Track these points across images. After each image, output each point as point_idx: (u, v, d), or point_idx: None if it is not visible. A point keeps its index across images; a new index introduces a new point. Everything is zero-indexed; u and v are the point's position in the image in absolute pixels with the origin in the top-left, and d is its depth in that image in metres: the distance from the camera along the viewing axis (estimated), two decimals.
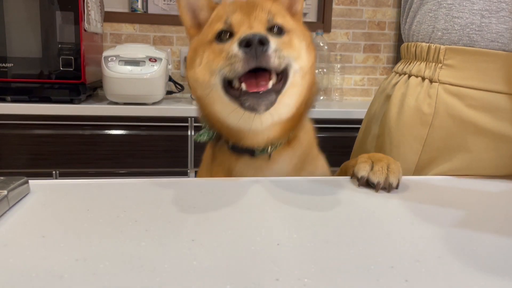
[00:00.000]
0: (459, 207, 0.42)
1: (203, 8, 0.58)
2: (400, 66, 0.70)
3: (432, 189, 0.49)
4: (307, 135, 0.61)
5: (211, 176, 0.59)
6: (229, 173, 0.57)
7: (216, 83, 0.51)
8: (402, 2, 0.72)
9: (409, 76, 0.65)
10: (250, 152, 0.55)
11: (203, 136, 0.58)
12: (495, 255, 0.32)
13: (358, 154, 0.74)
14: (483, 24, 0.57)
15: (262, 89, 0.47)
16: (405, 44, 0.69)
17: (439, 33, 0.61)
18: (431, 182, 0.53)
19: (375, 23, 2.04)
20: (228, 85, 0.51)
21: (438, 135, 0.59)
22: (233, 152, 0.56)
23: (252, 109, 0.48)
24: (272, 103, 0.48)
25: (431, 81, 0.61)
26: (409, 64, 0.67)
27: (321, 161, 0.63)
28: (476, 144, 0.57)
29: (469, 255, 0.31)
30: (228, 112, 0.52)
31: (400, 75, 0.68)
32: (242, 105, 0.48)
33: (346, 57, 2.06)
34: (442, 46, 0.60)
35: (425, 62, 0.63)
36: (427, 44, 0.62)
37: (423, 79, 0.62)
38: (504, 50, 0.56)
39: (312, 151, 0.61)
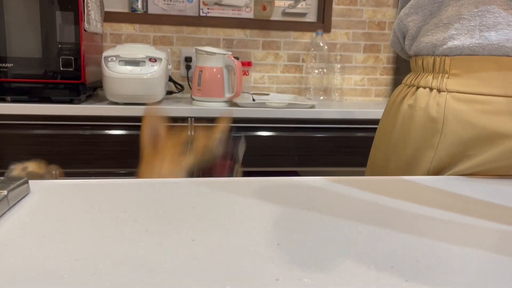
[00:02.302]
0: (460, 207, 0.42)
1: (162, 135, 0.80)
2: (409, 79, 0.71)
3: (433, 189, 0.49)
4: None
5: None
6: None
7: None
8: (396, 30, 0.73)
9: (417, 88, 0.67)
10: None
11: None
12: (496, 255, 0.32)
13: (371, 169, 0.76)
14: (482, 37, 0.58)
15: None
16: (413, 58, 0.71)
17: (441, 48, 0.62)
18: (432, 182, 0.53)
19: (375, 23, 2.04)
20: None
21: (449, 142, 0.60)
22: None
23: None
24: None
25: (439, 90, 0.62)
26: (418, 76, 0.68)
27: None
28: (487, 149, 0.58)
29: (470, 255, 0.31)
30: None
31: (409, 87, 0.70)
32: None
33: (346, 57, 2.06)
34: (447, 57, 0.61)
35: (432, 74, 0.64)
36: (432, 57, 0.64)
37: (431, 89, 0.63)
38: (508, 56, 0.57)
39: None
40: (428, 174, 0.62)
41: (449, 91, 0.61)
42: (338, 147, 1.60)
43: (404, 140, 0.66)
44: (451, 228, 0.37)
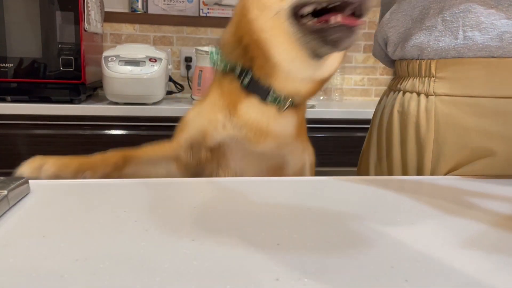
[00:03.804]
0: (460, 207, 0.42)
1: None
2: (394, 83, 0.70)
3: (433, 189, 0.49)
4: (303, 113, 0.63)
5: (209, 112, 0.59)
6: (234, 107, 0.57)
7: (284, 8, 0.51)
8: (377, 37, 0.72)
9: (404, 92, 0.66)
10: (263, 94, 0.56)
11: (221, 65, 0.59)
12: (496, 255, 0.32)
13: (361, 171, 0.75)
14: (467, 37, 0.58)
15: (357, 23, 0.49)
16: (398, 61, 0.70)
17: (425, 51, 0.62)
18: (432, 182, 0.53)
19: (375, 23, 2.04)
20: (294, 15, 0.51)
21: (444, 147, 0.60)
22: (244, 90, 0.57)
23: (336, 42, 0.49)
24: (353, 42, 0.49)
25: (426, 95, 0.61)
26: (403, 81, 0.67)
27: (307, 151, 0.64)
28: (481, 150, 0.58)
29: (470, 255, 0.31)
30: (283, 44, 0.53)
31: (394, 92, 0.69)
32: (324, 36, 0.49)
33: (346, 57, 2.05)
34: (432, 61, 0.61)
35: (418, 78, 0.64)
36: (417, 60, 0.63)
37: (418, 94, 0.63)
38: (492, 57, 0.57)
39: (302, 132, 0.63)
40: None
41: (437, 95, 0.60)
42: (338, 147, 1.60)
43: (398, 147, 0.65)
44: (451, 228, 0.37)
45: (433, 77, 0.61)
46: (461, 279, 0.28)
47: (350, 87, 2.07)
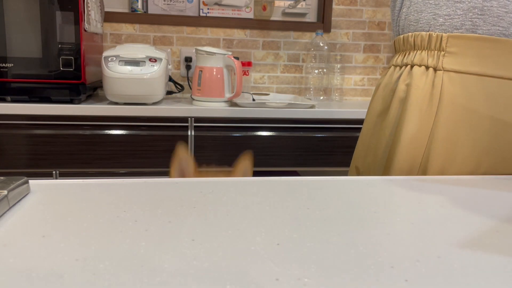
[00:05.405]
0: (460, 207, 0.42)
1: (190, 173, 0.74)
2: (398, 59, 0.68)
3: (433, 189, 0.49)
4: None
5: None
6: None
7: None
8: None
9: (412, 66, 0.64)
10: None
11: None
12: (496, 255, 0.32)
13: (360, 156, 0.74)
14: (485, 8, 0.57)
15: None
16: (399, 36, 0.68)
17: (441, 19, 0.61)
18: (432, 181, 0.53)
19: (375, 23, 2.04)
20: None
21: (443, 126, 0.59)
22: None
23: None
24: None
25: (435, 69, 0.61)
26: (409, 54, 0.66)
27: None
28: (477, 133, 0.58)
29: (469, 255, 0.31)
30: None
31: (401, 67, 0.67)
32: None
33: (346, 57, 2.06)
34: (444, 34, 0.60)
35: (426, 51, 0.62)
36: (427, 33, 0.62)
37: (427, 68, 0.62)
38: (504, 35, 0.57)
39: None
40: (422, 161, 0.61)
41: (445, 70, 0.60)
42: (338, 147, 1.60)
43: (400, 121, 0.64)
44: (450, 228, 0.37)
45: (443, 51, 0.60)
46: (461, 279, 0.28)
47: (350, 87, 2.07)
